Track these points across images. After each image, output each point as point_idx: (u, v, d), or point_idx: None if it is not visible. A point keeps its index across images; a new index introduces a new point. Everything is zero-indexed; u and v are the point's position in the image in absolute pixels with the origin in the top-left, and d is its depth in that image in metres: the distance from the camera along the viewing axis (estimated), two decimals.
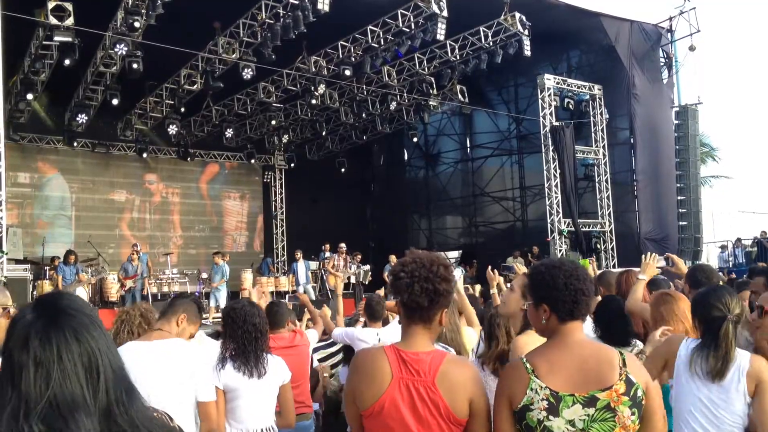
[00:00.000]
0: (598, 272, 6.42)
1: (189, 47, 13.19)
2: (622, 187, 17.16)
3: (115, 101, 14.63)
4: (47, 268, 14.47)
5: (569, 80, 16.62)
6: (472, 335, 4.19)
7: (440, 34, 12.99)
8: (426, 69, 15.90)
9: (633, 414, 1.91)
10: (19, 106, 14.94)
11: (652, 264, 4.29)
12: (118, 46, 12.13)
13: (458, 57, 15.24)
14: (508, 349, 3.07)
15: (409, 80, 16.65)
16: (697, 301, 2.95)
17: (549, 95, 15.96)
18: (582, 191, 17.38)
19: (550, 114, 16.03)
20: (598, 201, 16.83)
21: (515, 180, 20.80)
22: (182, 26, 12.07)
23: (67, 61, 12.22)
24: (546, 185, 16.22)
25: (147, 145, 18.67)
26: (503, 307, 3.08)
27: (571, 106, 16.47)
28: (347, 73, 14.46)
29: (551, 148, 15.97)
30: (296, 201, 21.30)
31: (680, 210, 15.97)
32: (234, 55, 13.38)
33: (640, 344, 3.56)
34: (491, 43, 14.61)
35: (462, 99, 17.25)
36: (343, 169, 21.32)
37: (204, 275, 15.66)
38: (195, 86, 15.33)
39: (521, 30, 13.89)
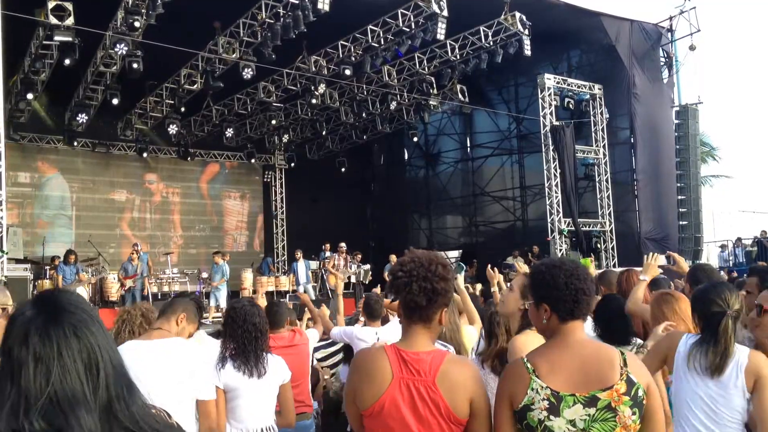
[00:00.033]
0: (600, 271, 6.41)
1: (189, 47, 13.18)
2: (623, 186, 17.14)
3: (115, 101, 14.62)
4: (47, 267, 14.50)
5: (569, 80, 16.59)
6: (472, 334, 4.19)
7: (440, 33, 12.99)
8: (426, 69, 15.89)
9: (634, 414, 1.90)
10: (20, 105, 14.94)
11: (654, 264, 4.28)
12: (118, 45, 12.14)
13: (458, 56, 15.22)
14: (507, 347, 3.06)
15: (409, 80, 16.64)
16: (697, 297, 2.94)
17: (549, 95, 15.95)
18: (582, 191, 17.37)
19: (551, 113, 16.01)
20: (599, 200, 16.81)
21: (515, 179, 20.79)
22: (182, 26, 12.08)
23: (67, 61, 12.22)
24: (546, 185, 16.20)
25: (147, 145, 18.65)
26: (502, 306, 3.07)
27: (571, 105, 16.45)
28: (347, 72, 14.46)
29: (551, 148, 15.96)
30: (296, 200, 21.29)
31: (680, 209, 15.94)
32: (234, 55, 13.38)
33: (639, 341, 3.56)
34: (491, 43, 14.61)
35: (462, 98, 17.25)
36: (343, 169, 21.29)
37: (204, 275, 15.67)
38: (195, 86, 15.32)
39: (521, 29, 13.88)
